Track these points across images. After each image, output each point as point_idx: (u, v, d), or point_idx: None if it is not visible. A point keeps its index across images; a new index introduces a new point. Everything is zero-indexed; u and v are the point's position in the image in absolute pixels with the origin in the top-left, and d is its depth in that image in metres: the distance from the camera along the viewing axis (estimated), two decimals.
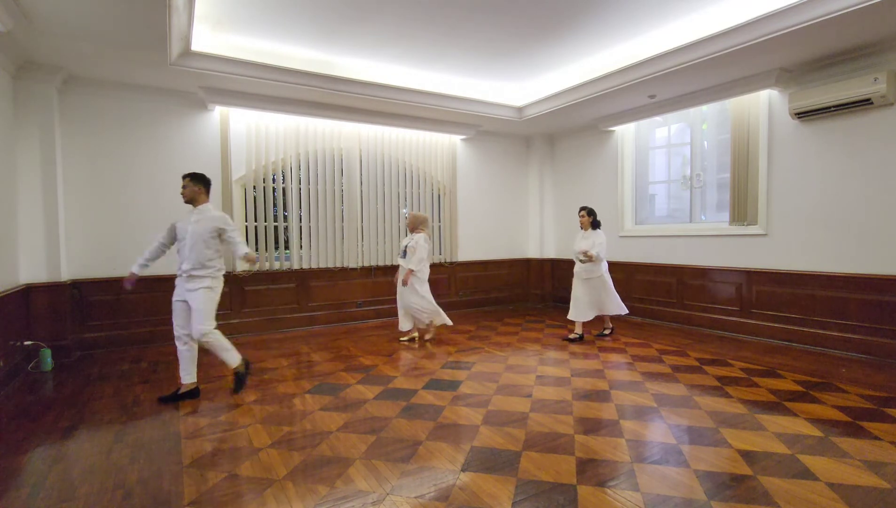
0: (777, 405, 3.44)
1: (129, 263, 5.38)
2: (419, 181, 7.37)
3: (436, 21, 4.73)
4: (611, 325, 5.83)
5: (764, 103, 5.39)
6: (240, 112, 5.96)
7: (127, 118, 5.44)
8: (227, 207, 5.92)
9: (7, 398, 3.83)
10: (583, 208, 5.59)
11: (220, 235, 3.73)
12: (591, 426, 3.10)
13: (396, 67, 5.94)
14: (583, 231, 5.58)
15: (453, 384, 4.00)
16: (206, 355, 5.03)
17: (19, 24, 3.79)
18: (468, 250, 7.92)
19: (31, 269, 4.73)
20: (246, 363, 3.87)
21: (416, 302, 5.40)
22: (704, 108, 6.23)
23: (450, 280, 7.77)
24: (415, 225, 5.54)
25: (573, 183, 8.05)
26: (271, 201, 6.23)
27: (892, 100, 4.41)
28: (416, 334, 5.68)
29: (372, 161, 6.93)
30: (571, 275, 5.67)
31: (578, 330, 5.58)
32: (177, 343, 3.72)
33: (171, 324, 3.72)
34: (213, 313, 3.70)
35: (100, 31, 4.00)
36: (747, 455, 2.67)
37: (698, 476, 2.45)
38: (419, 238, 5.41)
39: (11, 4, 3.50)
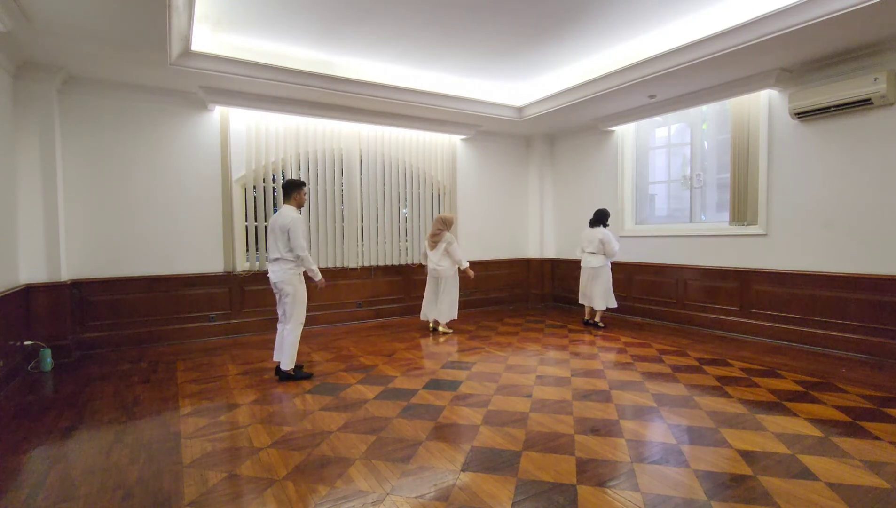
0: (777, 405, 3.44)
1: (130, 263, 5.48)
2: (419, 181, 7.37)
3: (435, 21, 4.73)
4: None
5: (764, 103, 5.39)
6: (240, 112, 5.96)
7: (127, 118, 5.43)
8: (227, 206, 5.92)
9: (7, 398, 3.83)
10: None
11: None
12: (591, 426, 3.10)
13: (396, 66, 5.94)
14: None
15: (453, 384, 4.00)
16: (206, 355, 5.07)
17: (19, 24, 3.79)
18: (468, 250, 7.89)
19: (31, 269, 4.73)
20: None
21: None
22: (704, 108, 6.23)
23: None
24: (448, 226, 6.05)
25: (573, 183, 8.05)
26: (271, 201, 6.22)
27: (892, 100, 4.41)
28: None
29: (372, 161, 6.93)
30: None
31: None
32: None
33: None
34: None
35: (100, 31, 3.99)
36: (747, 455, 2.67)
37: (698, 476, 2.45)
38: (451, 238, 5.97)
39: (11, 4, 3.50)
